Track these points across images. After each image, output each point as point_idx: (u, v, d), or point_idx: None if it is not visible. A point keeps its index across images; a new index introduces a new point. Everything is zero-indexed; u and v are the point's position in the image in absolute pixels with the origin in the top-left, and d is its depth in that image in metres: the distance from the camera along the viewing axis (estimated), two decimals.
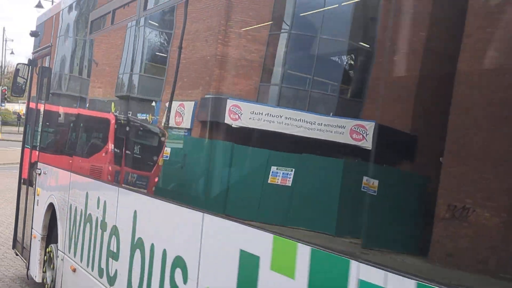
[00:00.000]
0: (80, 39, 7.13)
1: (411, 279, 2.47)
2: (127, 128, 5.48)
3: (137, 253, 4.82)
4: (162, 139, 4.84)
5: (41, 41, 9.02)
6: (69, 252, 6.57)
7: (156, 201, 4.65)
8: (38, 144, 8.39)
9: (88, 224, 6.06)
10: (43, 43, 8.77)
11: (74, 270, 6.35)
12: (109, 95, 6.14)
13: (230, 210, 3.73)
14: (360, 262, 2.62)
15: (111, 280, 5.30)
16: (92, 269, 5.79)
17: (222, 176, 3.91)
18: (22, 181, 9.23)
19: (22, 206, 8.93)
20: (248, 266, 3.34)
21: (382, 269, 2.61)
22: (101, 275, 5.55)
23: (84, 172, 6.40)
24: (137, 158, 5.27)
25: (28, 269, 8.27)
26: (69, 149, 7.10)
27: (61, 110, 7.72)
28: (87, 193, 6.14)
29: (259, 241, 3.27)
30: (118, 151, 5.61)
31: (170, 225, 4.38)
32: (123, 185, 5.30)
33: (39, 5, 33.92)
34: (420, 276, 2.48)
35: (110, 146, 5.71)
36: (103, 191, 5.66)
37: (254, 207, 3.46)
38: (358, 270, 2.65)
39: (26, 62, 9.52)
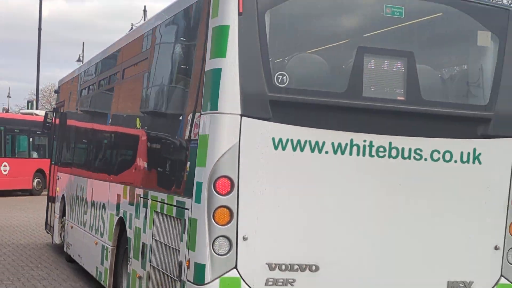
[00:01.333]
0: (77, 98, 12.40)
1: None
2: (94, 146, 10.69)
3: (91, 207, 9.99)
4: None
5: (60, 97, 14.38)
6: (70, 218, 11.82)
7: (97, 181, 9.84)
8: (58, 160, 13.69)
9: (77, 200, 11.30)
10: (61, 98, 14.12)
11: (72, 227, 11.59)
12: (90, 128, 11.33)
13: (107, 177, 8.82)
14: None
15: (84, 224, 10.52)
16: (78, 223, 11.03)
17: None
18: (49, 187, 14.58)
19: (50, 203, 14.24)
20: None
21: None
22: (80, 224, 10.76)
23: (74, 173, 11.74)
24: (97, 162, 10.50)
25: (52, 238, 13.51)
26: (68, 161, 12.50)
27: (67, 138, 13.04)
28: (76, 184, 11.38)
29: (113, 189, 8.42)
30: (88, 158, 10.90)
31: (100, 190, 9.53)
32: (89, 176, 10.53)
33: None
34: None
35: (84, 156, 11.10)
36: (82, 181, 10.92)
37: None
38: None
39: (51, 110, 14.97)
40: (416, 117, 5.83)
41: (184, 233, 5.81)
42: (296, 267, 5.58)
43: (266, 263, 5.53)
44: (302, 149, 5.55)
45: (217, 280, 5.43)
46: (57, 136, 14.01)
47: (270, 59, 5.53)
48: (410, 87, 5.81)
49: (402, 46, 5.93)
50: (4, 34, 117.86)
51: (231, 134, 5.42)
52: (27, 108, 44.29)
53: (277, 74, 5.54)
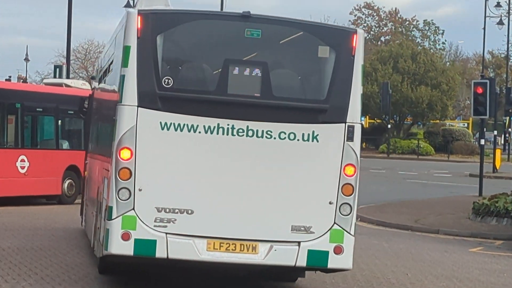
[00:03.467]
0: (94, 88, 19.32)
1: None
2: None
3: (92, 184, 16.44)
4: None
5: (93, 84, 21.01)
6: (86, 196, 18.57)
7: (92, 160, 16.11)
8: (86, 146, 20.62)
9: (89, 179, 17.82)
10: (93, 86, 20.98)
11: (87, 205, 17.88)
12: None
13: None
14: None
15: (89, 201, 16.63)
16: (87, 200, 17.56)
17: None
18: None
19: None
20: None
21: None
22: (88, 201, 17.16)
23: (89, 156, 18.60)
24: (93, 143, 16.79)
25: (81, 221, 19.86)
26: (89, 145, 19.37)
27: (90, 125, 19.86)
28: (89, 165, 18.39)
29: None
30: (92, 141, 18.12)
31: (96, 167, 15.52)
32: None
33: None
34: None
35: (93, 140, 17.91)
36: (90, 162, 17.63)
37: None
38: None
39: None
40: (267, 108, 12.05)
41: (107, 187, 12.54)
42: (177, 210, 11.95)
43: (155, 207, 11.90)
44: (182, 130, 11.95)
45: (120, 217, 11.86)
46: (88, 123, 21.19)
47: (159, 68, 11.94)
48: (264, 87, 12.07)
49: (259, 58, 12.25)
50: None
51: (130, 119, 11.92)
52: (54, 76, 44.73)
53: (164, 78, 11.92)
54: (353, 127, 12.35)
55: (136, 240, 11.94)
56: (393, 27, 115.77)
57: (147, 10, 12.36)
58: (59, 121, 29.14)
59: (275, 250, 12.15)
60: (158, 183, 12.00)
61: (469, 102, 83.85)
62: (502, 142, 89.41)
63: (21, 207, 27.02)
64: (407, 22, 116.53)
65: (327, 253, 12.24)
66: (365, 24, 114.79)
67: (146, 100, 11.99)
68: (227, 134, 12.13)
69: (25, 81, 57.62)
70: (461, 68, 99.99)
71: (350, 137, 12.35)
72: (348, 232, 12.29)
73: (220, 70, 12.21)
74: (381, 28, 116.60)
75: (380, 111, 77.40)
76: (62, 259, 16.16)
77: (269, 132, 12.20)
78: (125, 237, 11.94)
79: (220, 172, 12.13)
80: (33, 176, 27.83)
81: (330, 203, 12.28)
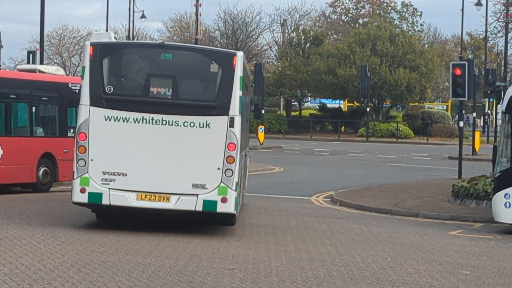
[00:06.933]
0: None
1: None
2: None
3: None
4: None
5: None
6: None
7: None
8: None
9: None
10: None
11: None
12: None
13: None
14: None
15: None
16: None
17: None
18: None
19: None
20: None
21: None
22: None
23: None
24: None
25: None
26: None
27: None
28: None
29: None
30: None
31: None
32: None
33: None
34: None
35: None
36: None
37: None
38: None
39: None
40: (176, 105, 19.15)
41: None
42: (116, 173, 19.04)
43: (101, 171, 19.00)
44: (119, 120, 19.10)
45: (79, 178, 19.02)
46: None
47: (104, 80, 19.23)
48: (173, 92, 19.33)
49: (170, 72, 19.58)
50: None
51: (85, 113, 19.14)
52: (28, 62, 44.86)
53: (107, 86, 19.17)
54: (233, 118, 19.16)
55: (89, 193, 18.95)
56: (371, 9, 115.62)
57: (96, 42, 19.42)
58: (33, 108, 28.85)
59: (181, 200, 18.96)
60: (103, 156, 18.86)
61: (447, 84, 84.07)
62: (481, 124, 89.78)
63: None
64: (385, 4, 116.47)
65: (216, 202, 18.93)
66: (343, 7, 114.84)
67: (95, 101, 19.02)
68: (149, 123, 19.09)
69: None
70: (439, 50, 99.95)
71: (231, 125, 19.14)
72: (230, 188, 18.95)
73: (144, 81, 19.24)
74: (358, 10, 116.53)
75: (359, 94, 77.51)
76: (37, 248, 16.47)
77: (177, 122, 19.08)
78: (82, 190, 18.95)
79: (145, 148, 18.91)
80: (7, 164, 27.41)
81: (218, 168, 18.97)
